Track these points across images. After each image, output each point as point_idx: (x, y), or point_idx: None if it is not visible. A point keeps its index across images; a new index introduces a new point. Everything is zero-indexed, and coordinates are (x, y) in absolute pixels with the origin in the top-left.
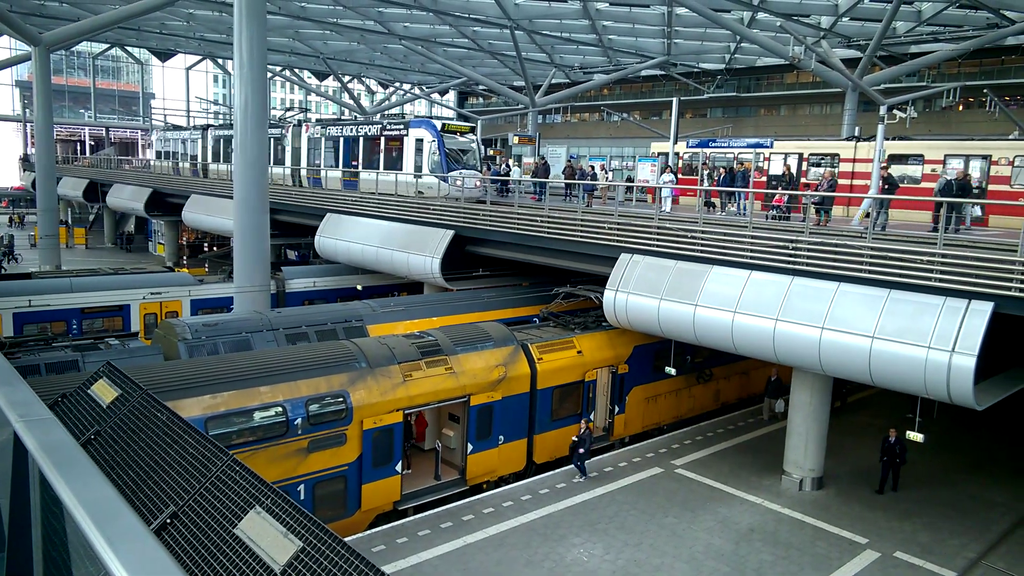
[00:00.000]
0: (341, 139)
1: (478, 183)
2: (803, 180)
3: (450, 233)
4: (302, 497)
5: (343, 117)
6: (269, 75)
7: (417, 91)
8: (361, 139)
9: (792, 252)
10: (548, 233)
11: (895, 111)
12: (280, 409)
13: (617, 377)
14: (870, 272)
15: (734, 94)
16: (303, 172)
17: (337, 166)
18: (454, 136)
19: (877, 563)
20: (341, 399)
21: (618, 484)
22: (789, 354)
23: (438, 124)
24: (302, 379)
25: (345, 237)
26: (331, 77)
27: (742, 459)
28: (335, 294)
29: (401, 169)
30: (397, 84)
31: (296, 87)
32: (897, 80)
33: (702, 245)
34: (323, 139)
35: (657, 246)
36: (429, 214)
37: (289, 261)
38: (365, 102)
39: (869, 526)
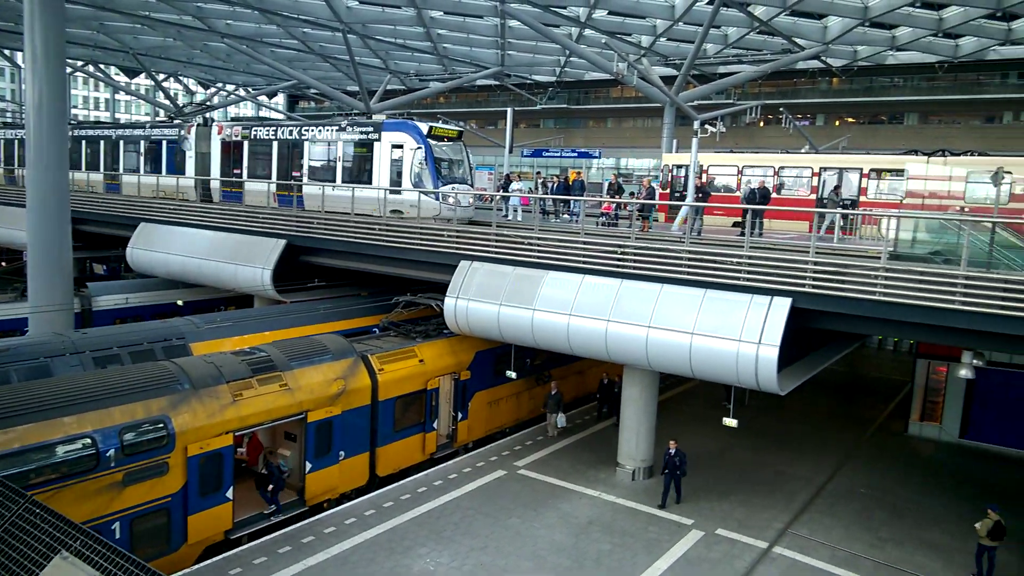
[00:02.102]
0: (276, 144)
1: (473, 199)
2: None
3: (282, 243)
4: (118, 536)
5: (268, 117)
6: (69, 70)
7: (242, 92)
8: (307, 144)
9: (620, 256)
10: (386, 241)
11: (707, 126)
12: (88, 441)
13: (460, 384)
14: (689, 274)
15: (565, 106)
16: (215, 184)
17: (271, 177)
18: (441, 142)
19: (702, 541)
20: (161, 425)
21: (463, 490)
22: (620, 352)
23: (423, 127)
24: (115, 406)
25: (162, 248)
26: (144, 75)
27: (580, 455)
28: (152, 311)
29: (369, 182)
30: (220, 84)
31: (102, 84)
32: (708, 97)
33: (538, 251)
34: (247, 143)
35: (496, 253)
36: (259, 223)
37: (97, 276)
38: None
39: (693, 508)
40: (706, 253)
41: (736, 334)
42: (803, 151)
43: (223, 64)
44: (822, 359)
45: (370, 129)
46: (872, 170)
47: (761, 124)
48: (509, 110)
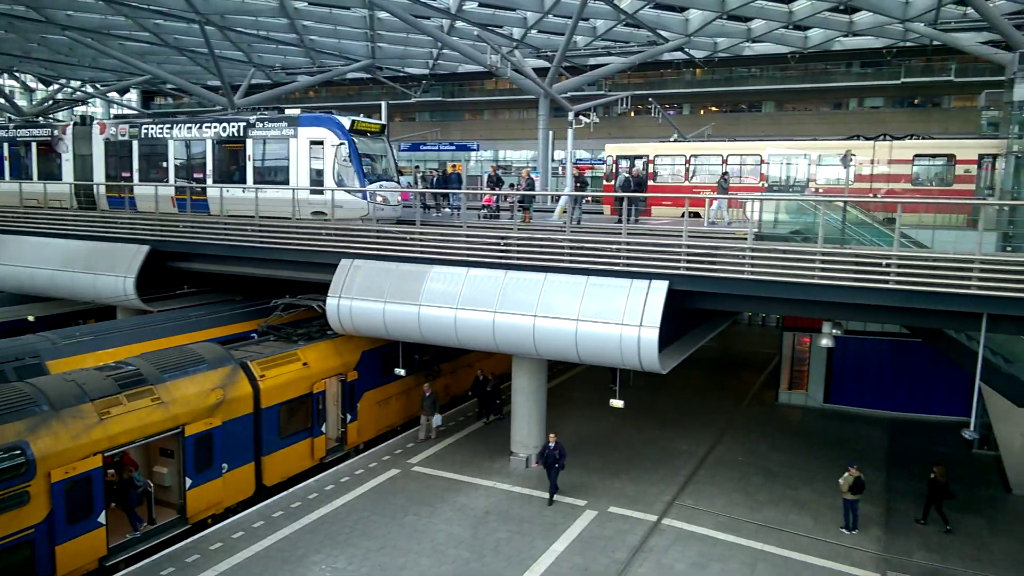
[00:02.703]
0: (172, 143)
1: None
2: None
3: (145, 249)
4: None
5: (167, 112)
6: None
7: (90, 89)
8: (209, 143)
9: (504, 248)
10: (261, 242)
11: (580, 116)
12: None
13: (347, 385)
14: (571, 262)
15: (440, 99)
16: (101, 189)
17: (168, 179)
18: (364, 136)
19: (595, 520)
20: (18, 452)
21: (356, 492)
22: (508, 342)
23: (345, 121)
24: None
25: (7, 260)
26: None
27: (474, 447)
28: None
29: (285, 183)
30: (64, 81)
31: None
32: (581, 89)
33: (421, 246)
34: (136, 143)
35: (377, 250)
36: (118, 228)
37: None
38: (22, 102)
39: (587, 489)
40: (587, 241)
41: (618, 318)
42: (672, 139)
43: (65, 58)
44: (699, 337)
45: (284, 124)
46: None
47: (632, 114)
48: (383, 104)
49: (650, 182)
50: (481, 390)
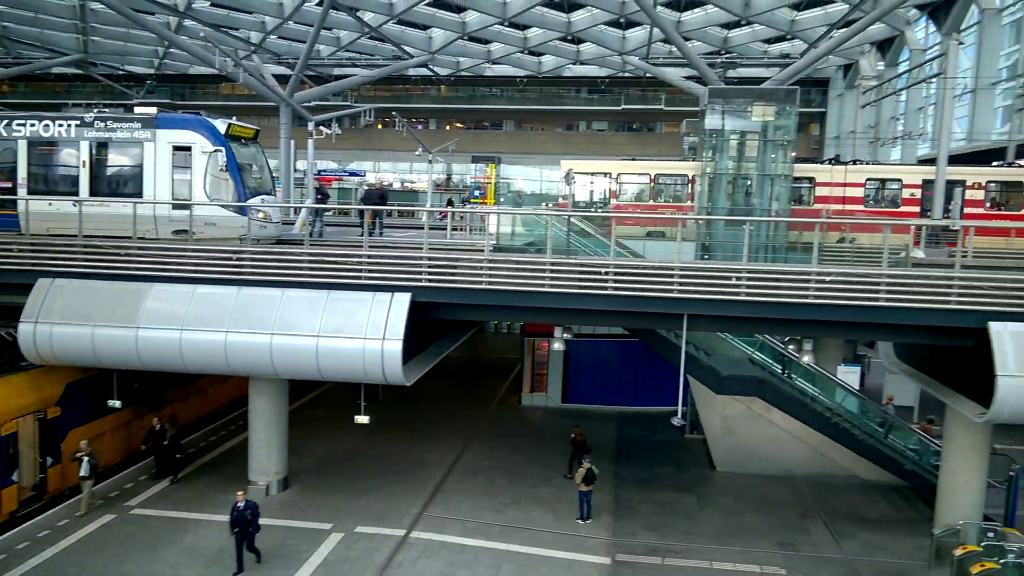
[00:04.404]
0: None
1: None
2: None
3: None
4: None
5: None
6: None
7: None
8: (23, 144)
9: (236, 262)
10: None
11: (321, 127)
12: None
13: (48, 423)
14: (311, 276)
15: (168, 101)
16: None
17: None
18: (239, 143)
19: (341, 543)
20: None
21: (58, 547)
22: (243, 363)
23: (220, 125)
24: None
25: None
26: None
27: (206, 480)
28: None
29: (136, 195)
30: None
31: None
32: (326, 99)
33: (139, 262)
34: None
35: (84, 266)
36: None
37: None
38: None
39: (333, 511)
40: (328, 255)
41: (361, 332)
42: (416, 153)
43: None
44: (444, 347)
45: (136, 125)
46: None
47: (379, 127)
48: (97, 104)
49: (613, 201)
50: (157, 444)
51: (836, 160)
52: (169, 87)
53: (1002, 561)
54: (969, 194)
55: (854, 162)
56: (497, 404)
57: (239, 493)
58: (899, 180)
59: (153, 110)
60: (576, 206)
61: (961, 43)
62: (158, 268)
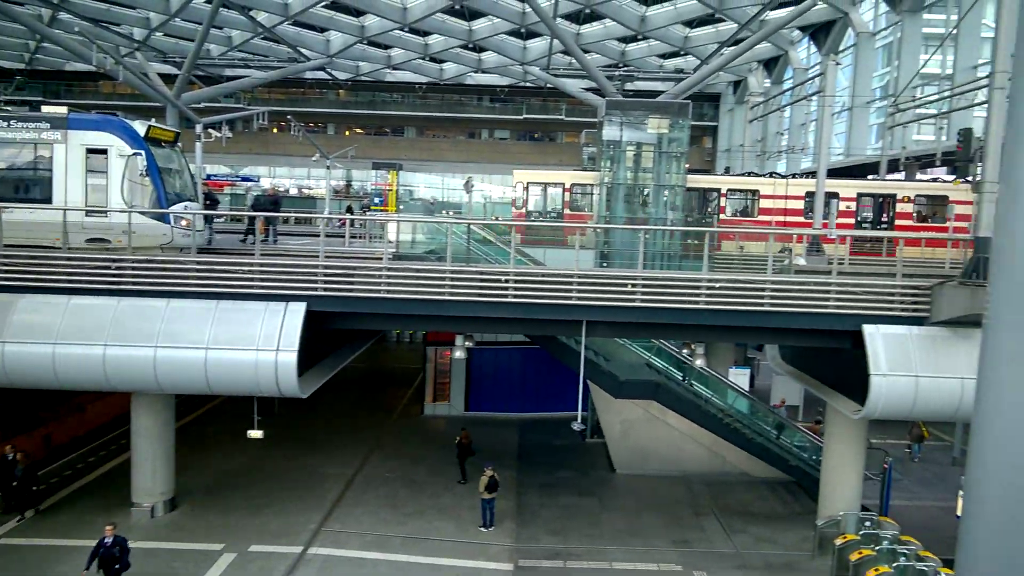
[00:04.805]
0: None
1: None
2: None
3: None
4: None
5: None
6: None
7: None
8: None
9: (116, 272)
10: None
11: (210, 130)
12: None
13: None
14: (198, 286)
15: (40, 99)
16: None
17: None
18: (159, 146)
19: (234, 564)
20: None
21: None
22: (123, 379)
23: (139, 126)
24: None
25: None
26: None
27: (85, 504)
28: None
29: (45, 201)
30: None
31: None
32: (217, 100)
33: (4, 271)
34: None
35: None
36: None
37: None
38: None
39: (225, 531)
40: (217, 263)
41: (253, 343)
42: (313, 158)
43: None
44: (344, 357)
45: (44, 126)
46: (729, 190)
47: (275, 131)
48: None
49: (566, 211)
50: (6, 476)
51: (777, 174)
52: (42, 84)
53: (878, 548)
54: (900, 207)
55: (793, 175)
56: (399, 414)
57: (107, 527)
58: (836, 194)
59: (63, 110)
60: (529, 216)
61: (838, 63)
62: (28, 278)
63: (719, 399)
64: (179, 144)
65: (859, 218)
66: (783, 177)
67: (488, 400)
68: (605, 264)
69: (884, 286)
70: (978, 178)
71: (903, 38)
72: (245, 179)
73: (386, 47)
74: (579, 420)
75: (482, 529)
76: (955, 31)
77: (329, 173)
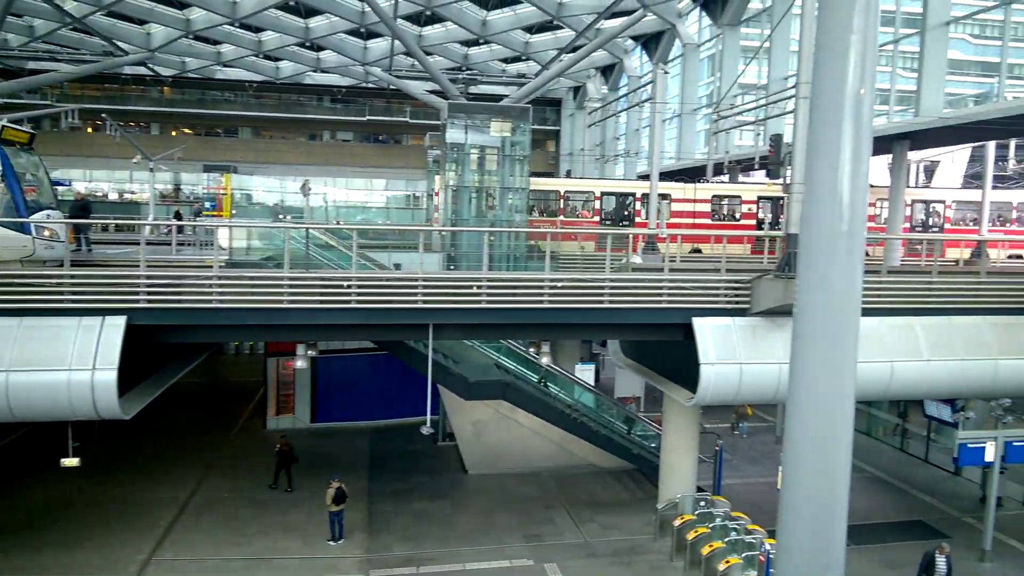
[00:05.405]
0: None
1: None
2: None
3: None
4: None
5: None
6: None
7: None
8: None
9: None
10: None
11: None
12: None
13: None
14: None
15: None
16: None
17: None
18: (13, 147)
19: None
20: None
21: None
22: None
23: None
24: None
25: None
26: None
27: None
28: None
29: None
30: None
31: None
32: (19, 96)
33: None
34: None
35: None
36: None
37: None
38: None
39: (37, 572)
40: (17, 274)
41: (65, 362)
42: (134, 160)
43: None
44: (174, 373)
45: None
46: (643, 194)
47: (90, 130)
48: None
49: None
50: None
51: (688, 179)
52: None
53: (711, 525)
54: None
55: (701, 180)
56: (240, 430)
57: None
58: (739, 197)
59: None
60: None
61: (667, 72)
62: None
63: (566, 395)
64: (34, 147)
65: (758, 219)
66: (691, 182)
67: (337, 410)
68: (452, 267)
69: (711, 281)
70: (788, 180)
71: (724, 50)
72: (56, 183)
73: (215, 43)
74: (428, 424)
75: (331, 543)
76: (767, 44)
77: (153, 176)
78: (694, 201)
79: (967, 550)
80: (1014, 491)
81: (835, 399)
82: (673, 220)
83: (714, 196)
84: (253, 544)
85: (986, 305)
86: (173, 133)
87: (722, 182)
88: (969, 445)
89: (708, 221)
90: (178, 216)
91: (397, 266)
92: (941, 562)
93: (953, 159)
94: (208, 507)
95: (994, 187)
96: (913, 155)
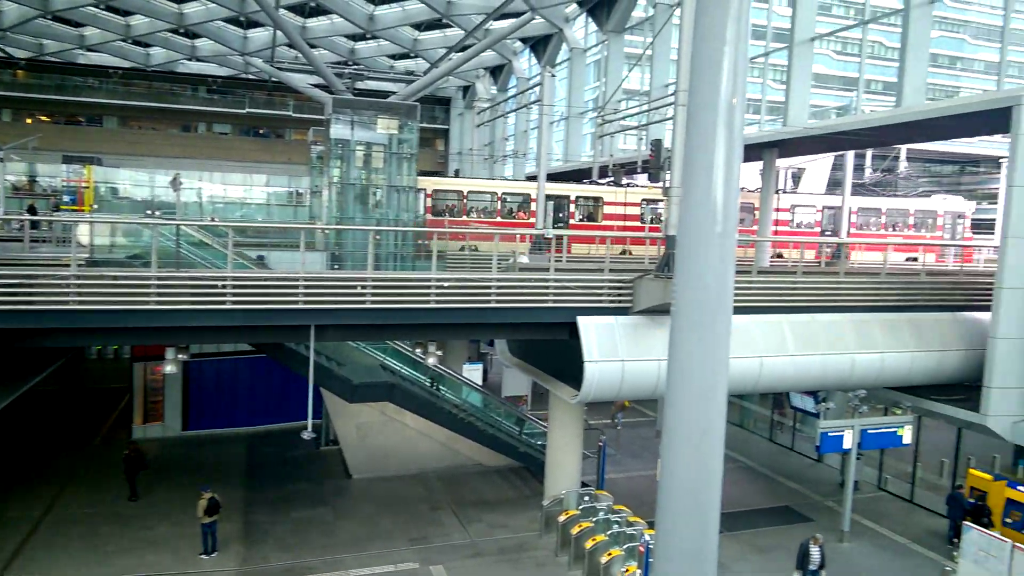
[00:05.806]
0: None
1: None
2: None
3: None
4: None
5: None
6: None
7: None
8: None
9: None
10: None
11: None
12: None
13: None
14: None
15: None
16: None
17: None
18: None
19: None
20: None
21: None
22: None
23: None
24: None
25: None
26: None
27: None
28: None
29: None
30: None
31: None
32: None
33: None
34: None
35: None
36: None
37: None
38: None
39: None
40: None
41: None
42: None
43: None
44: (25, 381)
45: None
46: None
47: None
48: None
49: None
50: None
51: (617, 183)
52: None
53: (594, 519)
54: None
55: (629, 184)
56: (102, 441)
57: None
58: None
59: None
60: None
61: (554, 75)
62: None
63: (454, 395)
64: None
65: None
66: (621, 186)
67: (211, 416)
68: (337, 266)
69: (594, 281)
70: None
71: (609, 56)
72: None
73: (78, 25)
74: (310, 429)
75: (204, 557)
76: (650, 52)
77: (3, 167)
78: (624, 204)
79: (828, 532)
80: (869, 475)
81: (709, 393)
82: (605, 222)
83: (644, 200)
84: (116, 562)
85: (844, 303)
86: (28, 120)
87: (656, 187)
88: (830, 434)
89: (637, 223)
90: (32, 211)
91: (261, 257)
92: (815, 552)
93: (818, 167)
94: (64, 525)
95: (903, 195)
96: (781, 162)
